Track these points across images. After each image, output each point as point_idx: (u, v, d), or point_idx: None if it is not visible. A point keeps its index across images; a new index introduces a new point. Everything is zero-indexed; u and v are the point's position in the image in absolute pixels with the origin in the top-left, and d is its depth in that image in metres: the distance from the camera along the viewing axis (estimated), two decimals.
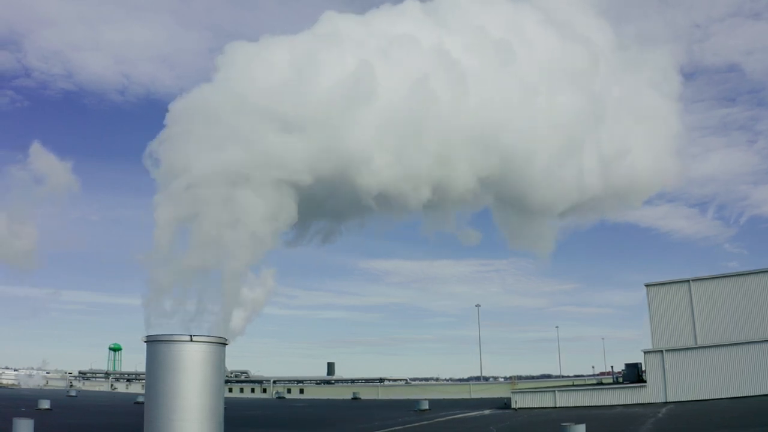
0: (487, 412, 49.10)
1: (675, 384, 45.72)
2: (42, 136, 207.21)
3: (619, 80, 35.77)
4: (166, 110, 27.22)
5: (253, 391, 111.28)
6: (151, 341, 19.19)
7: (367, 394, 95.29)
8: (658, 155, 37.88)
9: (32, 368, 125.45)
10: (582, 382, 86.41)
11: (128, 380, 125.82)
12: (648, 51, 39.06)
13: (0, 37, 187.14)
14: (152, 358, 18.99)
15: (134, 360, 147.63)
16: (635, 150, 36.20)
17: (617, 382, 62.48)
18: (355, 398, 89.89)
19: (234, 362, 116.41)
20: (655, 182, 39.62)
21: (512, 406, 50.63)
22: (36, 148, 30.82)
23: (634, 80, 36.40)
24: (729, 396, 42.97)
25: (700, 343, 46.37)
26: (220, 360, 19.62)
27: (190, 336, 18.94)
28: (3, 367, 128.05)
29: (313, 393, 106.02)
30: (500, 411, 49.14)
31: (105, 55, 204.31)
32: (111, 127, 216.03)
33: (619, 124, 35.30)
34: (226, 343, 20.29)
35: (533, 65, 31.66)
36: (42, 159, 30.40)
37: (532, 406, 49.83)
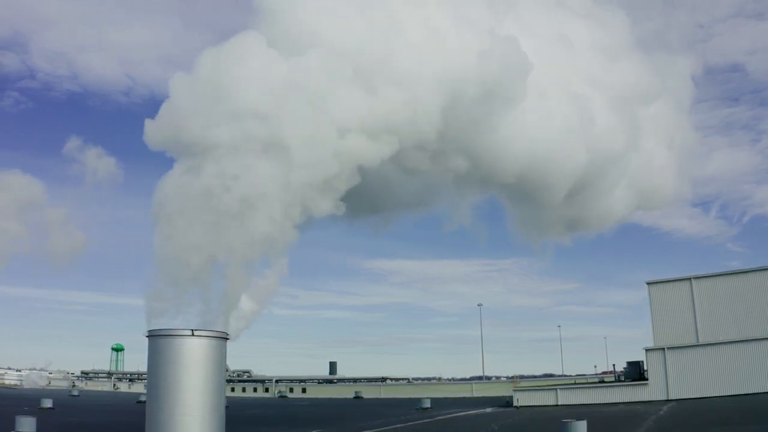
0: (488, 410, 49.12)
1: (676, 382, 45.69)
2: (46, 137, 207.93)
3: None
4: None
5: (255, 390, 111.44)
6: (153, 336, 19.31)
7: (369, 393, 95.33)
8: (673, 169, 38.39)
9: (34, 368, 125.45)
10: (584, 381, 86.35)
11: (131, 380, 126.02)
12: (662, 58, 39.12)
13: (5, 38, 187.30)
14: (154, 353, 19.11)
15: (137, 360, 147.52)
16: (655, 166, 36.58)
17: (619, 381, 62.43)
18: (357, 397, 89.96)
19: (236, 362, 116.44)
20: (668, 196, 40.21)
21: (514, 405, 50.63)
22: (77, 144, 30.66)
23: (636, 74, 36.40)
24: (730, 394, 42.89)
25: (701, 340, 46.34)
26: (222, 354, 19.71)
27: (192, 330, 19.05)
28: (5, 367, 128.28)
29: (315, 392, 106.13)
30: (502, 409, 49.15)
31: (110, 56, 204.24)
32: (116, 129, 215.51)
33: (643, 141, 35.51)
34: (228, 337, 20.38)
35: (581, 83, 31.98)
36: (91, 157, 30.28)
37: (533, 404, 49.83)
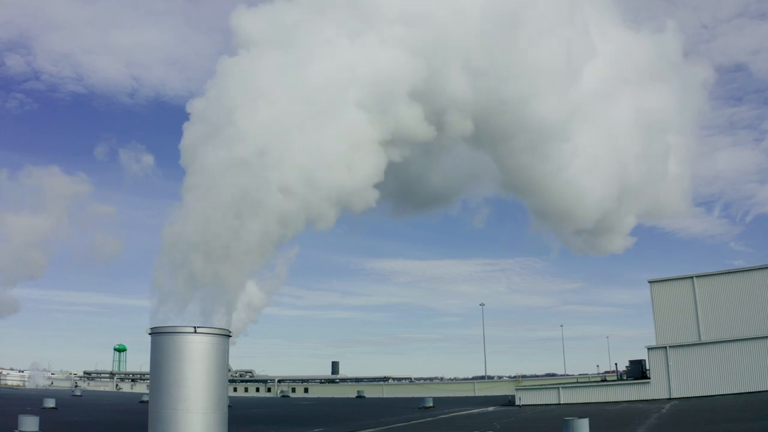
0: (491, 408, 49.17)
1: (679, 380, 45.72)
2: (51, 138, 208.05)
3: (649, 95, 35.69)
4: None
5: (257, 390, 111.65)
6: (156, 333, 19.38)
7: (371, 392, 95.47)
8: (682, 183, 38.55)
9: (36, 368, 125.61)
10: (587, 380, 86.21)
11: (133, 380, 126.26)
12: (676, 64, 39.00)
13: (10, 40, 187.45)
14: (157, 350, 19.18)
15: (139, 360, 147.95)
16: (664, 181, 36.67)
17: (621, 379, 62.33)
18: (359, 396, 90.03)
19: (239, 362, 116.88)
20: (674, 207, 40.43)
21: (516, 403, 50.68)
22: (110, 143, 30.86)
23: (662, 98, 36.26)
24: (733, 392, 42.94)
25: (703, 339, 46.36)
26: (224, 351, 19.78)
27: (194, 327, 19.11)
28: (8, 368, 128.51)
29: (317, 392, 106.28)
30: (504, 408, 49.19)
31: (115, 58, 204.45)
32: (120, 130, 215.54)
33: (656, 152, 35.54)
34: (230, 335, 20.44)
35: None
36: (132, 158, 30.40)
37: (536, 403, 49.89)
